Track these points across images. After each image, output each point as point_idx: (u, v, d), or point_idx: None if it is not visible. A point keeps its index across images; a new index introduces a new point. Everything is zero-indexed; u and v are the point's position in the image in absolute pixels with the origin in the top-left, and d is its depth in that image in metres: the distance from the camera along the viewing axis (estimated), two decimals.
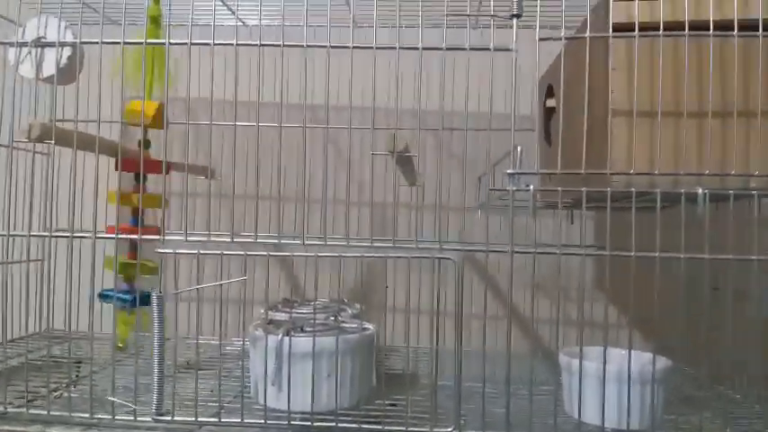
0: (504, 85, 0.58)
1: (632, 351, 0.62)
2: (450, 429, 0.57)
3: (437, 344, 0.58)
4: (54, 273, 0.84)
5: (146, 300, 0.70)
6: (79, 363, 0.77)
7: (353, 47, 0.56)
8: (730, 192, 0.55)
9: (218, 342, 0.68)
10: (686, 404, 0.69)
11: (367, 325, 0.69)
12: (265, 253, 0.56)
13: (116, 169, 0.62)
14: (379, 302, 0.95)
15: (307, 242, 0.56)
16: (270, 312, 0.71)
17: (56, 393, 0.66)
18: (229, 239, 0.56)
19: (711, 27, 0.58)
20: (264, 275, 0.60)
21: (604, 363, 0.59)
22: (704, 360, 0.61)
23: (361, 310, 0.73)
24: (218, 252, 0.56)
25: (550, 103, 0.90)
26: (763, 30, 0.58)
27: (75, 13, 0.60)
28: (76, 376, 0.73)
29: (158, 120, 0.65)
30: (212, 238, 0.57)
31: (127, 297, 0.71)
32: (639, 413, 0.62)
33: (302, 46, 0.57)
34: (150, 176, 0.73)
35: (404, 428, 0.57)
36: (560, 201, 0.57)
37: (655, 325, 0.57)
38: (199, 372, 0.64)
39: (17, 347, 0.80)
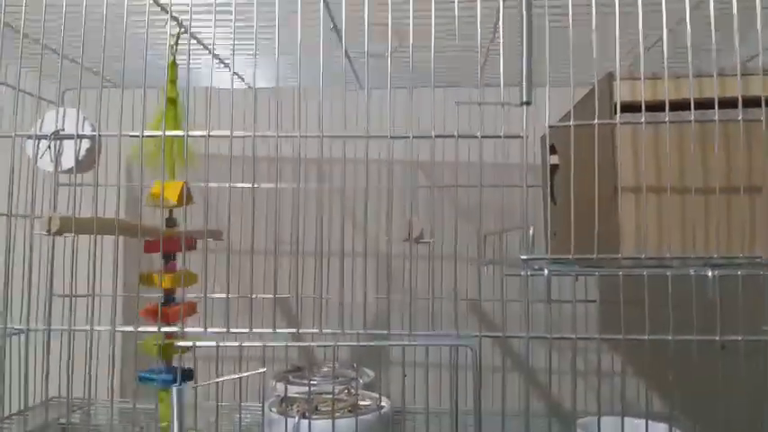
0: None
1: (649, 422, 0.63)
2: None
3: (456, 417, 0.59)
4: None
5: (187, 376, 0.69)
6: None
7: (369, 136, 0.58)
8: (738, 273, 0.57)
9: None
10: None
11: (383, 402, 0.69)
12: (284, 343, 0.57)
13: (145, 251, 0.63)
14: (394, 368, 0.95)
15: (324, 331, 0.57)
16: (283, 385, 0.71)
17: None
18: (248, 330, 0.57)
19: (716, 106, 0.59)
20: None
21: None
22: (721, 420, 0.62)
23: (375, 378, 0.74)
24: (237, 344, 0.57)
25: (554, 160, 0.91)
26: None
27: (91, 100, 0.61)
28: None
29: (181, 201, 0.66)
30: (231, 330, 0.57)
31: (169, 377, 0.71)
32: None
33: (319, 137, 0.58)
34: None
35: None
36: (575, 278, 0.58)
37: (669, 391, 0.58)
38: None
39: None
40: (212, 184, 0.74)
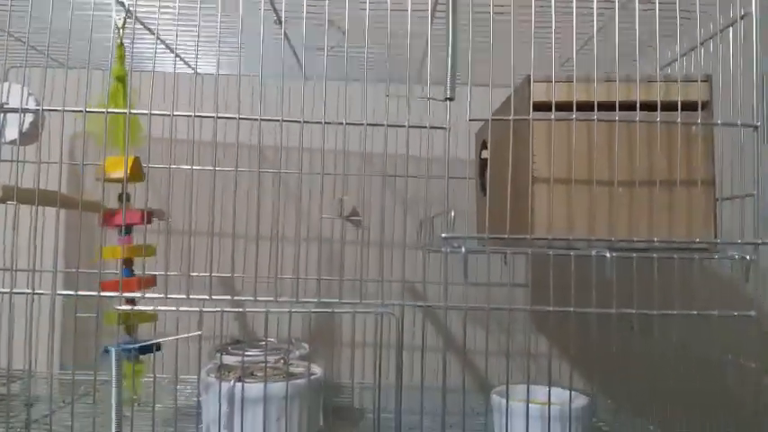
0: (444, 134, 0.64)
1: (554, 389, 0.69)
2: None
3: (379, 383, 0.64)
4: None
5: (149, 348, 0.71)
6: (31, 405, 0.79)
7: (304, 121, 0.62)
8: (633, 255, 0.64)
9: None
10: None
11: (315, 368, 0.73)
12: (219, 309, 0.60)
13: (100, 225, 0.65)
14: (327, 339, 1.00)
15: (258, 298, 0.61)
16: (222, 356, 0.75)
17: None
18: (185, 296, 0.60)
19: (618, 108, 0.66)
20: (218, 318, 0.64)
21: (527, 400, 0.66)
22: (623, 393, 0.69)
23: (309, 350, 0.78)
24: (174, 308, 0.60)
25: (485, 154, 0.98)
26: (661, 110, 0.67)
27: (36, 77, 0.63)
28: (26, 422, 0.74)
29: (137, 174, 0.69)
30: (169, 295, 0.61)
31: (132, 347, 0.72)
32: None
33: (256, 119, 0.62)
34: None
35: None
36: (488, 256, 0.64)
37: (578, 363, 0.65)
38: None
39: None
40: (156, 166, 0.77)
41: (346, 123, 0.62)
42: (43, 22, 0.63)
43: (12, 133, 0.62)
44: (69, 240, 1.01)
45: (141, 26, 0.80)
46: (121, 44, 0.72)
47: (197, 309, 0.60)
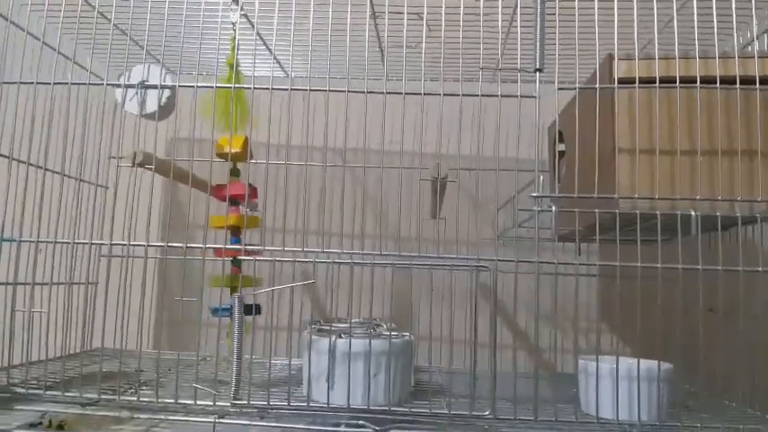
0: (513, 133, 0.70)
1: (636, 360, 0.72)
2: (486, 413, 0.66)
3: (475, 337, 0.68)
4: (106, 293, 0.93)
5: (252, 310, 0.79)
6: (141, 371, 0.86)
7: (405, 93, 0.69)
8: (718, 214, 0.67)
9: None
10: (686, 412, 0.77)
11: (405, 333, 0.78)
12: (330, 261, 0.67)
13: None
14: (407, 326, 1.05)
15: (365, 252, 0.67)
16: (318, 322, 0.81)
17: (138, 388, 0.75)
18: (300, 249, 0.67)
19: (698, 80, 0.70)
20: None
21: (617, 363, 0.69)
22: (701, 374, 0.70)
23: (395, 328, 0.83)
24: (292, 259, 0.67)
25: (560, 147, 1.02)
26: (741, 83, 0.70)
27: (173, 62, 0.72)
28: (140, 382, 0.82)
29: (244, 153, 0.77)
30: (286, 248, 0.67)
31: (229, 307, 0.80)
32: (648, 407, 0.71)
33: (363, 92, 0.69)
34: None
35: (447, 412, 0.66)
36: (577, 223, 0.68)
37: (656, 343, 0.67)
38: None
39: (76, 360, 0.89)
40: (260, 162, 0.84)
41: (443, 95, 0.68)
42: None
43: (152, 106, 0.71)
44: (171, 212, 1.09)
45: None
46: (234, 38, 0.81)
47: (311, 260, 0.66)
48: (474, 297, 0.67)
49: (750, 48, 0.86)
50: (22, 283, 0.73)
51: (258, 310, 0.81)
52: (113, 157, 1.03)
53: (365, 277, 0.72)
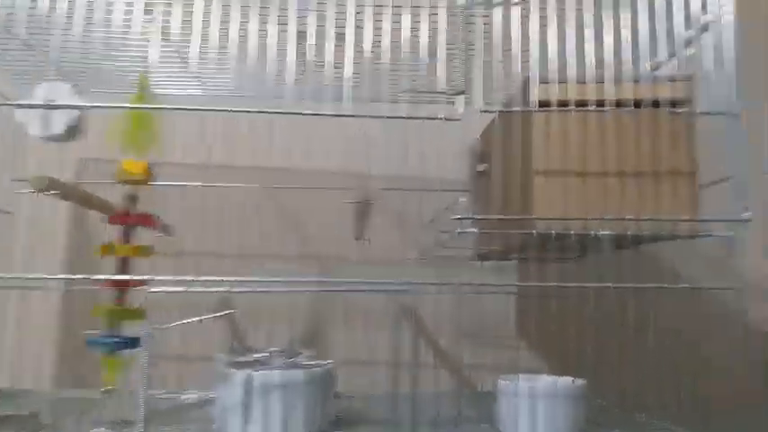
0: (437, 153, 0.71)
1: (551, 377, 0.74)
2: None
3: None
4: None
5: (133, 343, 0.75)
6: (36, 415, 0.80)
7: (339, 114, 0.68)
8: (629, 233, 0.70)
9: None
10: (599, 426, 0.79)
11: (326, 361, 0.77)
12: (248, 289, 0.65)
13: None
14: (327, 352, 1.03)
15: (275, 280, 0.65)
16: (234, 346, 0.78)
17: None
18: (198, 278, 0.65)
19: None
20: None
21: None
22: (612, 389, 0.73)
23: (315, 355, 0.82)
24: (203, 290, 0.65)
25: (481, 167, 1.04)
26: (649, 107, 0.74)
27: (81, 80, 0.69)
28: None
29: (148, 178, 0.74)
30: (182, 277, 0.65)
31: (116, 341, 0.77)
32: (564, 424, 0.73)
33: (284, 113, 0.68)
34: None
35: None
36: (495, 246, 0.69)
37: (570, 360, 0.69)
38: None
39: None
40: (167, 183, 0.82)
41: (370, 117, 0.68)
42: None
43: (58, 128, 0.67)
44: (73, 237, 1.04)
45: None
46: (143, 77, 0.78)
47: (226, 289, 0.64)
48: (394, 320, 0.66)
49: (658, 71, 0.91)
50: None
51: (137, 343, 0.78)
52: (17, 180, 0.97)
53: (283, 300, 0.71)
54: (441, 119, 0.68)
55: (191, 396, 0.93)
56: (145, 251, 0.78)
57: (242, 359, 0.75)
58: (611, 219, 0.70)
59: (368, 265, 0.90)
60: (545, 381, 0.74)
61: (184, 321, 0.65)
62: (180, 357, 0.72)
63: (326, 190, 0.85)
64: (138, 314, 0.77)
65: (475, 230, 0.67)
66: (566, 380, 0.76)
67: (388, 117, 0.68)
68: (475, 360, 0.93)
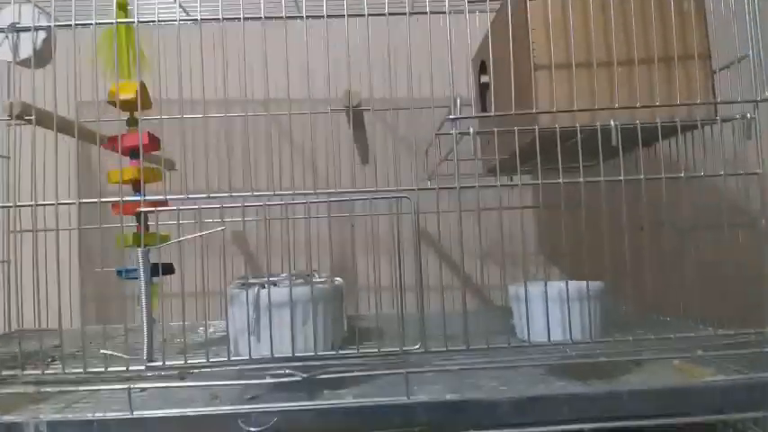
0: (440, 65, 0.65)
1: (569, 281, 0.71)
2: (417, 347, 0.64)
3: (401, 278, 0.65)
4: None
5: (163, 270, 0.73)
6: (57, 347, 0.80)
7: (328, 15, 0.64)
8: (637, 123, 0.65)
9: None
10: (618, 329, 0.77)
11: (336, 279, 0.75)
12: (240, 204, 0.62)
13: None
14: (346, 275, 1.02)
15: (277, 192, 0.62)
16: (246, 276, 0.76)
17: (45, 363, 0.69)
18: (205, 196, 0.62)
19: None
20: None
21: (546, 284, 0.67)
22: (632, 292, 0.70)
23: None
24: (195, 207, 0.62)
25: (484, 79, 0.99)
26: None
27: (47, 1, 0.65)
28: (52, 358, 0.75)
29: (144, 99, 0.70)
30: (189, 196, 0.62)
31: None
32: (580, 326, 0.70)
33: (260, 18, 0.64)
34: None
35: (377, 349, 0.63)
36: (496, 141, 0.65)
37: (586, 265, 0.66)
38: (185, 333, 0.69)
39: None
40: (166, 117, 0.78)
41: (348, 15, 0.63)
42: None
43: (25, 51, 0.63)
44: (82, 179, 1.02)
45: None
46: None
47: (217, 206, 0.62)
48: (397, 231, 0.64)
49: None
50: None
51: (169, 269, 0.76)
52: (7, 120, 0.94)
53: (300, 231, 0.68)
54: (425, 13, 0.63)
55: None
56: (155, 174, 0.75)
57: (254, 281, 0.73)
58: (620, 108, 0.66)
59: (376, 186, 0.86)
60: (558, 284, 0.71)
61: (186, 237, 0.62)
62: (200, 294, 0.69)
63: (330, 120, 0.81)
64: (163, 237, 0.75)
65: (471, 129, 0.63)
66: (578, 282, 0.73)
67: (370, 15, 0.63)
68: (493, 277, 0.91)
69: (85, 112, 0.80)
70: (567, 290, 0.68)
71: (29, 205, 0.65)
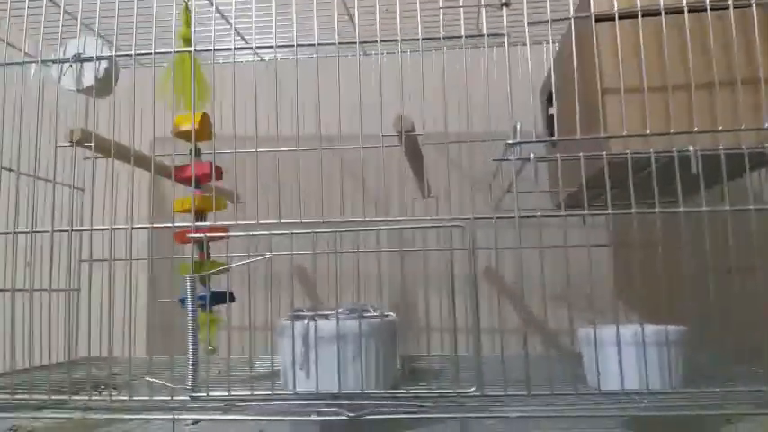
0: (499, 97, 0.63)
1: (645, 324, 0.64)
2: (472, 390, 0.59)
3: (454, 312, 0.61)
4: (89, 300, 0.87)
5: (222, 298, 0.73)
6: (115, 374, 0.80)
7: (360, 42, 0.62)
8: (720, 148, 0.59)
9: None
10: (704, 378, 0.69)
11: (388, 313, 0.71)
12: (310, 231, 0.60)
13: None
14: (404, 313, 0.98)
15: (326, 220, 0.60)
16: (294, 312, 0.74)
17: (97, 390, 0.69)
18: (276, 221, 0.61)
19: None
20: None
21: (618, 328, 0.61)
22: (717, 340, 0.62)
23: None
24: (267, 232, 0.61)
25: (551, 111, 0.95)
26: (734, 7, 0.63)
27: (110, 32, 0.66)
28: (103, 386, 0.75)
29: (205, 130, 0.71)
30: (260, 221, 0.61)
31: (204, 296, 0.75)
32: (659, 375, 0.63)
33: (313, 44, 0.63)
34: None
35: (428, 390, 0.59)
36: (559, 169, 0.61)
37: (663, 309, 0.60)
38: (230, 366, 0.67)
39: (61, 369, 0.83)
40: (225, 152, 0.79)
41: (401, 40, 0.62)
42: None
43: (88, 80, 0.65)
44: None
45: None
46: (187, 8, 0.75)
47: (287, 231, 0.60)
48: (450, 265, 0.60)
49: None
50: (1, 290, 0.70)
51: (231, 297, 0.75)
52: (88, 158, 0.98)
53: (351, 264, 0.65)
54: (482, 35, 0.60)
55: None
56: (217, 202, 0.75)
57: (304, 313, 0.71)
58: (699, 132, 0.60)
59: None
60: (634, 328, 0.64)
61: (227, 267, 0.61)
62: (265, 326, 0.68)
63: (387, 154, 0.79)
64: (220, 265, 0.74)
65: (532, 156, 0.59)
66: (657, 326, 0.66)
67: (424, 39, 0.61)
68: (562, 320, 0.84)
69: (159, 145, 0.81)
70: (643, 333, 0.61)
71: (104, 229, 0.66)
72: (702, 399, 0.59)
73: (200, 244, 0.73)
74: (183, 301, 0.75)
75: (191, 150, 0.74)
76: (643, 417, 0.59)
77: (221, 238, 0.72)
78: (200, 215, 0.74)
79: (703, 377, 0.66)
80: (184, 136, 0.72)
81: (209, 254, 0.75)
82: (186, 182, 0.75)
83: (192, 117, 0.70)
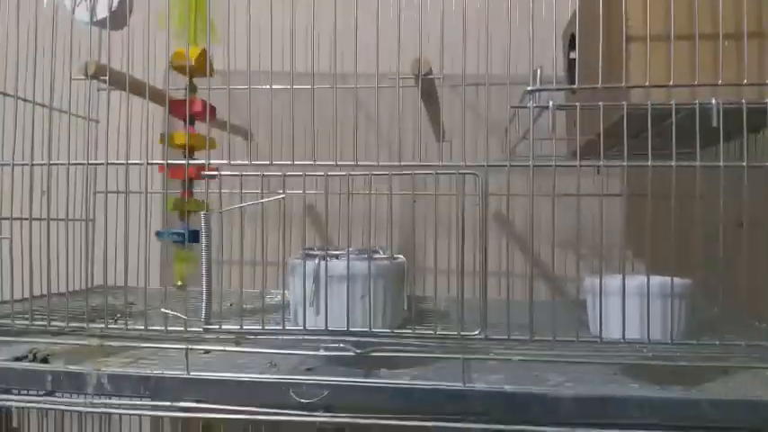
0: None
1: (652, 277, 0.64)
2: (476, 333, 0.60)
3: (462, 259, 0.61)
4: (105, 230, 0.89)
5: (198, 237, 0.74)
6: (131, 304, 0.83)
7: None
8: (743, 102, 0.58)
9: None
10: (706, 331, 0.70)
11: (397, 255, 0.72)
12: (301, 173, 0.60)
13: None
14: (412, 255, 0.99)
15: (339, 163, 0.60)
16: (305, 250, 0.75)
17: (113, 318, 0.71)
18: (269, 162, 0.61)
19: None
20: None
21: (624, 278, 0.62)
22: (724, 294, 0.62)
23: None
24: (259, 174, 0.61)
25: (573, 55, 0.92)
26: None
27: None
28: (118, 314, 0.78)
29: (202, 65, 0.70)
30: (253, 162, 0.61)
31: (182, 233, 0.77)
32: (661, 326, 0.64)
33: None
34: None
35: (433, 331, 0.61)
36: (578, 118, 0.60)
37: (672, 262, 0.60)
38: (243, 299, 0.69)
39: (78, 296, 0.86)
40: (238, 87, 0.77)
41: None
42: None
43: (102, 11, 0.64)
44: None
45: None
46: None
47: (279, 173, 0.60)
48: (461, 208, 0.60)
49: None
50: (18, 218, 0.72)
51: (197, 237, 0.77)
52: (102, 89, 0.98)
53: (363, 206, 0.65)
54: None
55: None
56: (203, 141, 0.75)
57: (314, 253, 0.72)
58: (724, 85, 0.58)
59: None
60: (640, 279, 0.65)
61: (242, 205, 0.62)
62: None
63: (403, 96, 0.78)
64: (202, 205, 0.76)
65: (551, 103, 0.58)
66: (663, 278, 0.66)
67: None
68: (569, 268, 0.85)
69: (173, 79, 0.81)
70: (649, 285, 0.62)
71: (120, 164, 0.66)
72: (702, 351, 0.60)
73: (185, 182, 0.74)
74: (159, 234, 0.78)
75: (186, 86, 0.74)
76: (642, 365, 0.60)
77: (212, 176, 0.72)
78: (191, 153, 0.75)
79: (706, 330, 0.66)
80: (181, 71, 0.72)
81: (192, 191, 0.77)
82: (180, 117, 0.75)
83: (187, 53, 0.69)
